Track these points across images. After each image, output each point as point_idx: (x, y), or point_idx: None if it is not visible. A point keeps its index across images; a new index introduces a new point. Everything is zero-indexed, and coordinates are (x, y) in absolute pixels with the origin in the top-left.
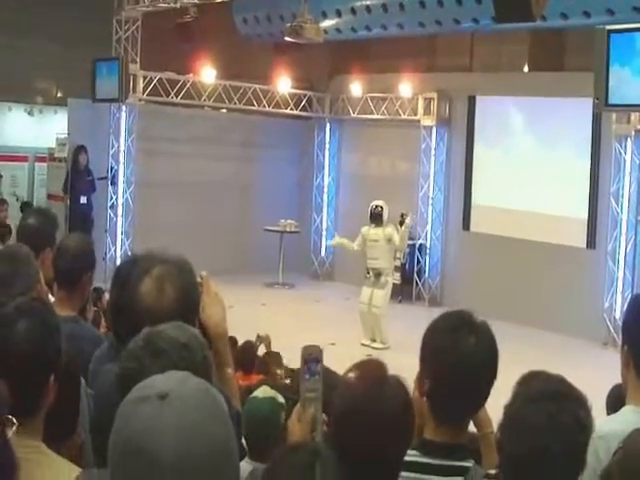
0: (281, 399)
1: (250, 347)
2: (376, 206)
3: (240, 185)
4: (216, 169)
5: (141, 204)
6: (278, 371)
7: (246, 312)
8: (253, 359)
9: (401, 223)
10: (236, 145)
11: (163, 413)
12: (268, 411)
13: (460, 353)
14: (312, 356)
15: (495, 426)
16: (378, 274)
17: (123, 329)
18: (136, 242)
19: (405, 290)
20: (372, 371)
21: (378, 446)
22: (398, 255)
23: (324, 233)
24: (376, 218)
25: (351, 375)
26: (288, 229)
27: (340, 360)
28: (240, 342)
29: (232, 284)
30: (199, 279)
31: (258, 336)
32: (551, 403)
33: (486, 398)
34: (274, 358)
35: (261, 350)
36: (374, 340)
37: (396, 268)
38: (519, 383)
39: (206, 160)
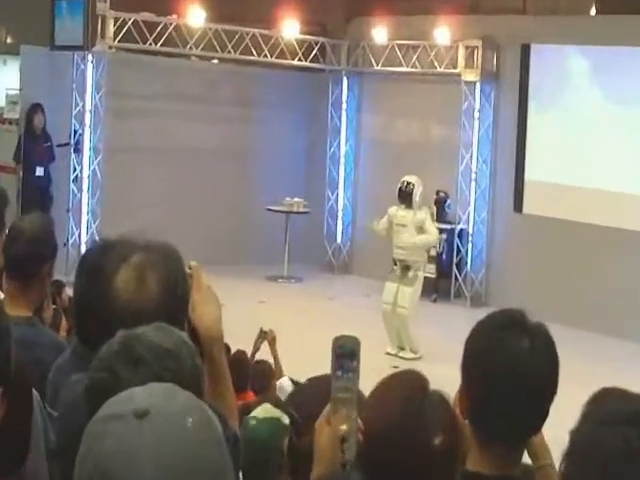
0: (286, 420)
1: (244, 359)
2: (407, 183)
3: (235, 154)
4: (205, 134)
5: (111, 177)
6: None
7: (241, 312)
8: (247, 374)
9: (437, 202)
10: (230, 104)
11: (141, 434)
12: (268, 434)
13: (509, 357)
14: (346, 349)
15: (556, 456)
16: (406, 267)
17: (92, 332)
18: (105, 224)
19: (441, 286)
20: (410, 384)
21: (418, 474)
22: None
23: (340, 214)
24: (405, 198)
25: (384, 388)
26: (295, 209)
27: (363, 371)
28: (232, 350)
29: (225, 277)
30: (188, 270)
31: (261, 331)
32: (629, 427)
33: (544, 419)
34: (276, 369)
35: (262, 352)
36: (402, 348)
37: (430, 259)
38: (589, 402)
39: (192, 123)
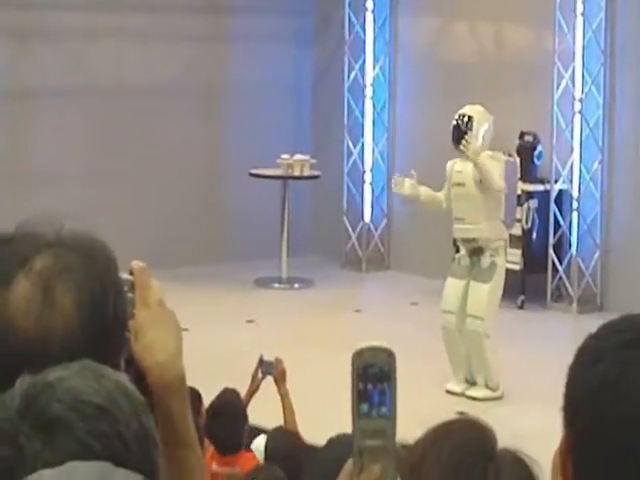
0: None
1: (234, 404)
2: (462, 117)
3: (201, 93)
4: (154, 63)
5: (8, 133)
6: None
7: (216, 339)
8: (240, 426)
9: (522, 150)
10: (193, 12)
11: None
12: None
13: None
14: (373, 369)
15: None
16: (475, 250)
17: None
18: (1, 206)
19: (531, 283)
20: (464, 441)
21: None
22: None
23: (367, 177)
24: (460, 139)
25: (428, 447)
26: (298, 172)
27: (406, 419)
28: (210, 395)
29: (191, 284)
30: (127, 276)
31: (261, 362)
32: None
33: None
34: (287, 418)
35: (265, 392)
36: (472, 383)
37: (513, 239)
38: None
39: (133, 45)
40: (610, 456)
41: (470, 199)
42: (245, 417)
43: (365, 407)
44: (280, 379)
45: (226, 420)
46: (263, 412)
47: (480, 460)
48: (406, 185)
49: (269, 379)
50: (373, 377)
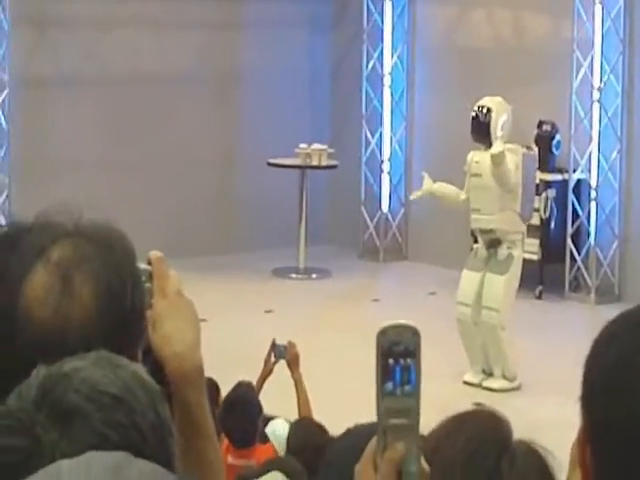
0: None
1: (250, 391)
2: (480, 108)
3: (219, 78)
4: (171, 49)
5: (25, 122)
6: None
7: (235, 330)
8: (255, 419)
9: (540, 140)
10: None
11: None
12: None
13: None
14: (398, 347)
15: None
16: (493, 242)
17: None
18: (18, 195)
19: (549, 273)
20: (479, 431)
21: None
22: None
23: (386, 167)
24: (480, 131)
25: (441, 438)
26: (315, 161)
27: (424, 409)
28: (228, 386)
29: (209, 274)
30: (145, 266)
31: (273, 345)
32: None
33: None
34: (300, 404)
35: (277, 377)
36: (489, 374)
37: (531, 229)
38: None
39: (149, 34)
40: (629, 439)
41: (487, 190)
42: (260, 410)
43: (390, 385)
44: (293, 363)
45: (240, 414)
46: (277, 399)
47: (494, 450)
48: (423, 190)
49: (282, 363)
50: (398, 355)
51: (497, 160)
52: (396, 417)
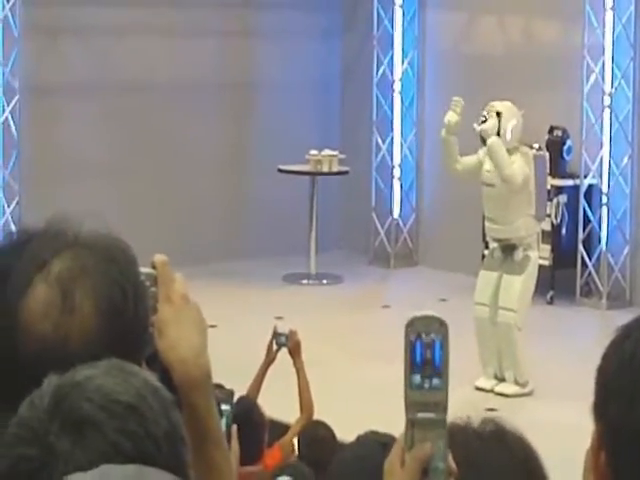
0: None
1: (253, 407)
2: (489, 111)
3: (230, 86)
4: (183, 57)
5: (35, 128)
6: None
7: (244, 336)
8: (262, 428)
9: (551, 145)
10: (219, 6)
11: None
12: None
13: None
14: (428, 336)
15: None
16: (508, 247)
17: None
18: (28, 201)
19: (561, 278)
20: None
21: None
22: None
23: (396, 172)
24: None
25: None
26: (326, 168)
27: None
28: (237, 393)
29: (216, 280)
30: (149, 270)
31: (275, 334)
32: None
33: None
34: (302, 396)
35: (278, 366)
36: (502, 379)
37: (542, 234)
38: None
39: (160, 41)
40: (628, 449)
41: (500, 200)
42: (264, 426)
43: (417, 379)
44: (295, 351)
45: (243, 432)
46: (278, 390)
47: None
48: (453, 121)
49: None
50: (424, 342)
51: (493, 149)
52: (423, 411)
